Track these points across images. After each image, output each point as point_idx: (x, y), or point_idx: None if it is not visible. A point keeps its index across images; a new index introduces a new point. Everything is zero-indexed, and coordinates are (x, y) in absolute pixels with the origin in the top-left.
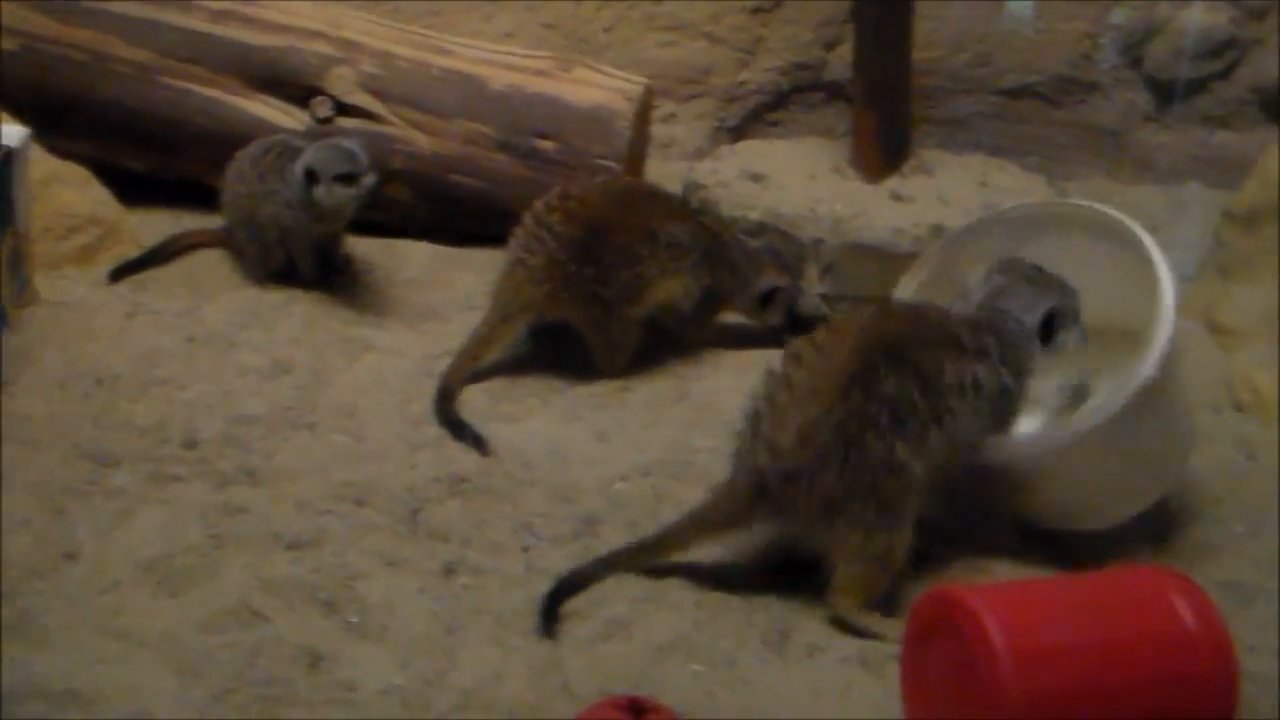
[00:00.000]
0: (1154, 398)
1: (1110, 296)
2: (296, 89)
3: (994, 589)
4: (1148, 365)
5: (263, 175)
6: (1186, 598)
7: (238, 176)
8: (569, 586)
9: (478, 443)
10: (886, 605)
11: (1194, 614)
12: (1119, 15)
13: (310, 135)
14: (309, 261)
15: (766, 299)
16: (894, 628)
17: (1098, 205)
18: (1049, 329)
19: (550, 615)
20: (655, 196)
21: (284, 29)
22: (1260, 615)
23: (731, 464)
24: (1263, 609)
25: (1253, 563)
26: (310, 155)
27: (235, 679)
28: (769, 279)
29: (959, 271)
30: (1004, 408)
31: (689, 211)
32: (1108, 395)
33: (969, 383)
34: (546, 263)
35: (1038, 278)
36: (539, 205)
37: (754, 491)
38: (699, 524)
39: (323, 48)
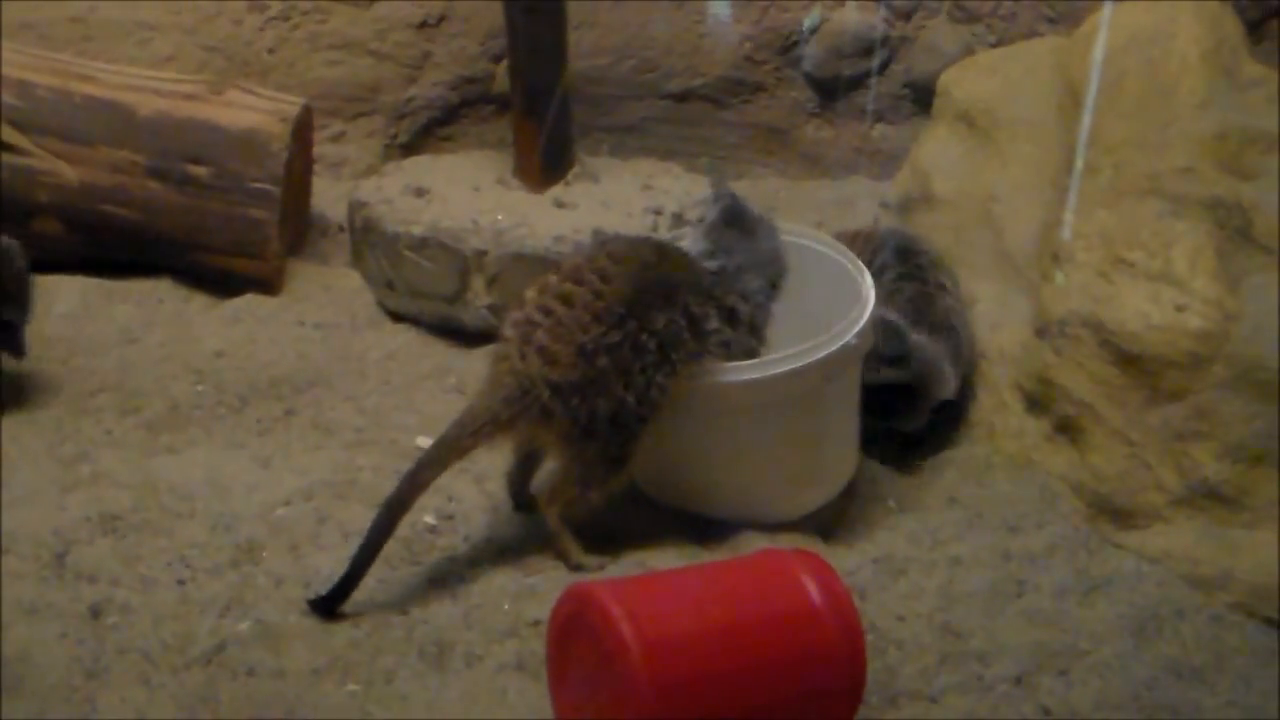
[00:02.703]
0: (843, 375)
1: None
2: None
3: (625, 582)
4: (849, 333)
5: None
6: (814, 576)
7: None
8: (352, 579)
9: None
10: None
11: (821, 591)
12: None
13: None
14: None
15: None
16: (586, 559)
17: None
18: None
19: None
20: None
21: None
22: (910, 586)
23: (489, 373)
24: (913, 579)
25: (905, 536)
26: None
27: None
28: None
29: None
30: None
31: None
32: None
33: (723, 340)
34: None
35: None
36: None
37: (518, 398)
38: (460, 435)
39: None
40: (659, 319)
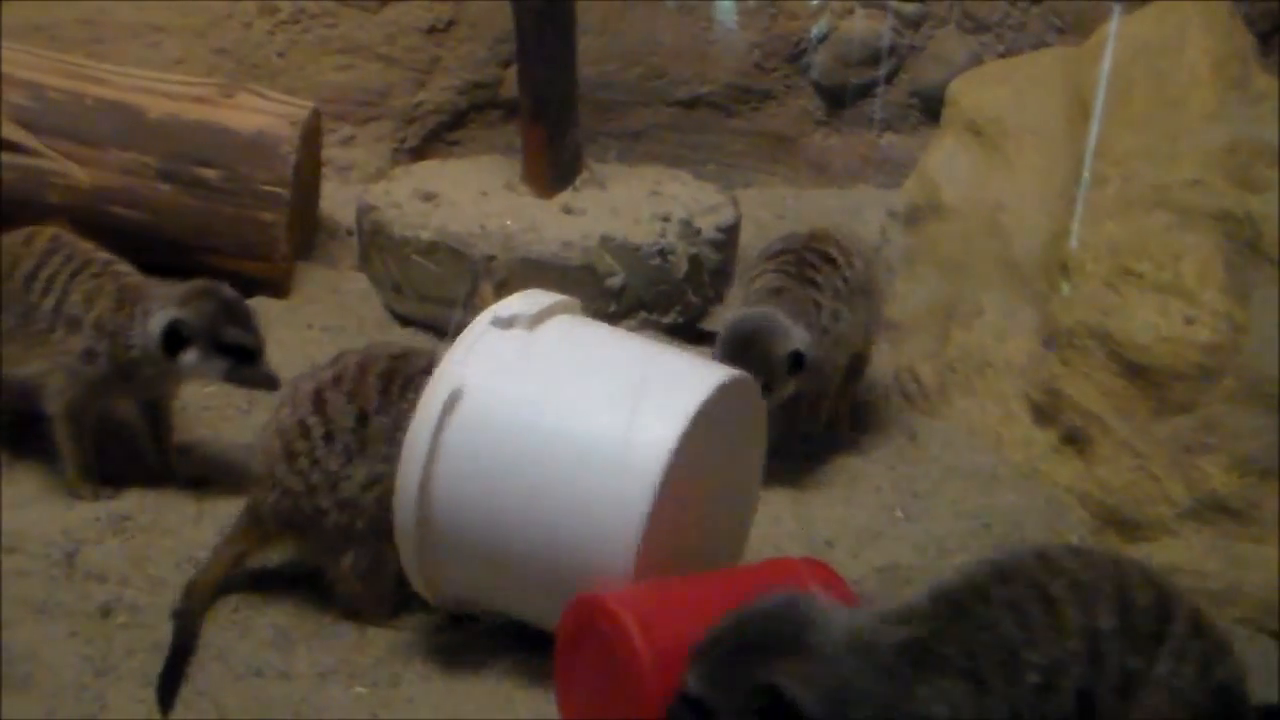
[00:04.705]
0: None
1: None
2: None
3: (636, 591)
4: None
5: None
6: (823, 584)
7: None
8: (171, 678)
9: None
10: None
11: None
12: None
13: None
14: None
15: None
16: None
17: None
18: None
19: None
20: None
21: None
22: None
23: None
24: (919, 589)
25: (910, 545)
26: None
27: None
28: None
29: None
30: None
31: None
32: None
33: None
34: None
35: None
36: None
37: (259, 506)
38: (230, 544)
39: None
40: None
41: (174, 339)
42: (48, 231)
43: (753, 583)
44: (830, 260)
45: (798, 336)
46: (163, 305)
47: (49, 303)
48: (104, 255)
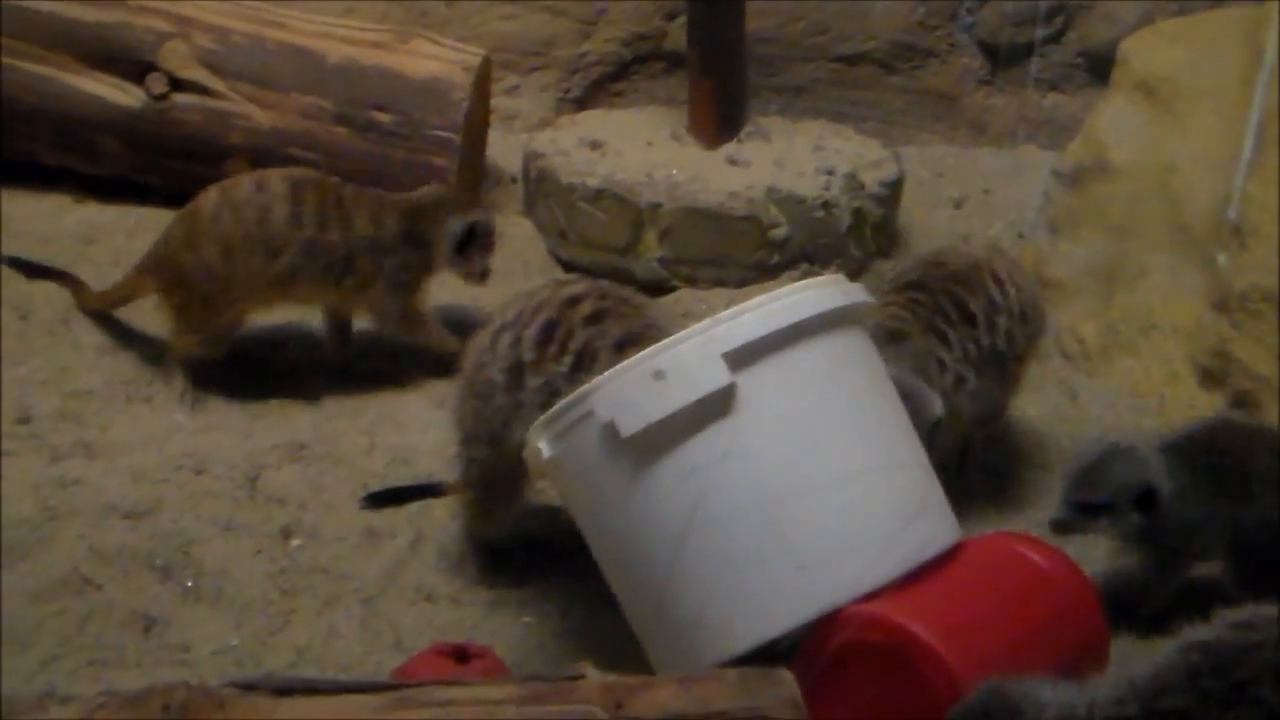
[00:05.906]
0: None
1: None
2: (130, 65)
3: (903, 600)
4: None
5: None
6: (1033, 548)
7: None
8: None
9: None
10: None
11: (1045, 559)
12: None
13: None
14: None
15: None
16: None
17: None
18: None
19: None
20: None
21: (115, 4)
22: (1077, 552)
23: None
24: (1079, 546)
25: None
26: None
27: (63, 646)
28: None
29: None
30: None
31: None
32: None
33: None
34: None
35: None
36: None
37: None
38: None
39: (156, 23)
40: None
41: (469, 238)
42: (247, 177)
43: (978, 563)
44: (969, 318)
45: (937, 404)
46: (451, 213)
47: (333, 236)
48: (332, 179)
